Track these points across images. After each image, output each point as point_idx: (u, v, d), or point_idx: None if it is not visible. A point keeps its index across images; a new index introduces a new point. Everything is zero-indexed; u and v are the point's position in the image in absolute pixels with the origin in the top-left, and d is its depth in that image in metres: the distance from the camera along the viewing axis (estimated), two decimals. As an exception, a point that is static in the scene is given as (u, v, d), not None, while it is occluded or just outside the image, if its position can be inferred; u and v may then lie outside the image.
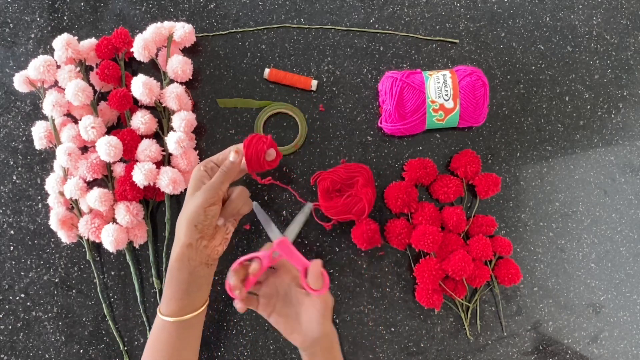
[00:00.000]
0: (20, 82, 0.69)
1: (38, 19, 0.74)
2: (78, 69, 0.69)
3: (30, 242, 0.72)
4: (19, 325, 0.72)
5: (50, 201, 0.69)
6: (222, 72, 0.74)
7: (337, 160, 0.73)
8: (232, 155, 0.56)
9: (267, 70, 0.73)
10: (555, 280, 0.73)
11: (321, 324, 0.58)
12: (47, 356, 0.72)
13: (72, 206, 0.69)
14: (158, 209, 0.73)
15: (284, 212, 0.72)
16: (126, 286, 0.72)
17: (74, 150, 0.67)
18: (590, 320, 0.73)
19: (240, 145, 0.60)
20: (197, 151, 0.72)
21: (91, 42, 0.71)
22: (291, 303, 0.60)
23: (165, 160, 0.70)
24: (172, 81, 0.70)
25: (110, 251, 0.69)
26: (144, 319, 0.72)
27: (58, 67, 0.69)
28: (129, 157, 0.69)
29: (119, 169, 0.69)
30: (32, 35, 0.74)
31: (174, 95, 0.68)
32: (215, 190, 0.54)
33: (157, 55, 0.71)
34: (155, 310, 0.71)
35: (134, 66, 0.74)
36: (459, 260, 0.66)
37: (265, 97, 0.74)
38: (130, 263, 0.71)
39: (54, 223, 0.68)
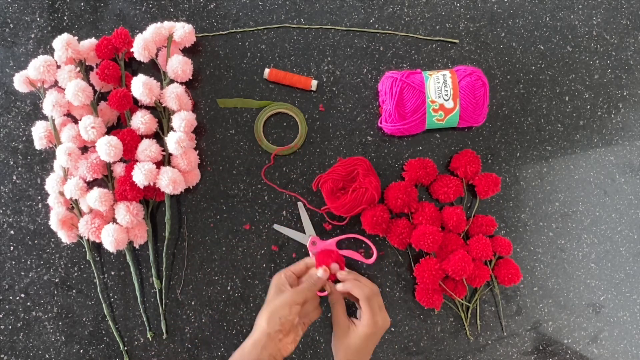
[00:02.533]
0: (20, 82, 0.69)
1: (38, 19, 0.74)
2: (78, 69, 0.69)
3: (30, 242, 0.72)
4: (19, 325, 0.72)
5: (50, 201, 0.69)
6: (222, 72, 0.74)
7: (337, 161, 0.73)
8: (321, 272, 0.65)
9: (267, 70, 0.73)
10: (555, 280, 0.73)
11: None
12: (47, 356, 0.72)
13: (72, 206, 0.69)
14: (158, 209, 0.73)
15: (284, 212, 0.73)
16: (126, 286, 0.72)
17: (74, 150, 0.67)
18: (590, 320, 0.73)
19: (311, 260, 0.68)
20: (197, 151, 0.72)
21: (91, 42, 0.71)
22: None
23: (165, 160, 0.70)
24: (172, 81, 0.70)
25: (110, 251, 0.69)
26: (144, 319, 0.72)
27: (58, 67, 0.69)
28: (129, 157, 0.69)
29: (119, 169, 0.69)
30: (32, 35, 0.74)
31: (174, 95, 0.68)
32: (303, 294, 0.62)
33: (157, 55, 0.71)
34: (155, 310, 0.72)
35: (134, 66, 0.74)
36: (459, 260, 0.66)
37: (265, 97, 0.74)
38: (130, 263, 0.71)
39: (54, 223, 0.68)
